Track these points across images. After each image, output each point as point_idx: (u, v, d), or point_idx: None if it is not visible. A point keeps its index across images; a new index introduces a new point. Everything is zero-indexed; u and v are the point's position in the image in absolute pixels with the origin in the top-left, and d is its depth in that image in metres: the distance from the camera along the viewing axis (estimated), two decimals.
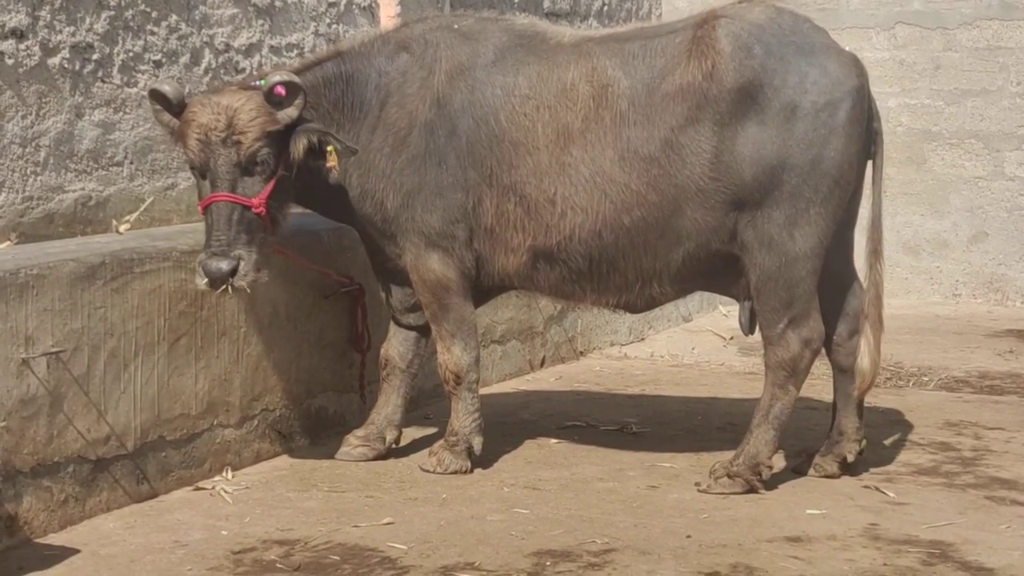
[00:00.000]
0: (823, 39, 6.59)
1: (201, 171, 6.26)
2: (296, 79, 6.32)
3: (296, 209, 6.72)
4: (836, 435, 6.81)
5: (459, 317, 6.76)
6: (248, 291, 6.27)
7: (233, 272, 6.14)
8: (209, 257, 6.14)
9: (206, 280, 6.14)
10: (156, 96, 6.28)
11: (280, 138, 6.32)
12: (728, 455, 6.65)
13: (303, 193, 6.64)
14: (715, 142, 6.38)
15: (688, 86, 6.41)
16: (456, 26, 6.82)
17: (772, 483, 6.58)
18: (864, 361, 6.67)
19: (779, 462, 6.81)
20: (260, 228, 6.30)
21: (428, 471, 6.75)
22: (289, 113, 6.30)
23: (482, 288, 6.92)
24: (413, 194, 6.62)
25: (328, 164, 6.40)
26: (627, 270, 6.62)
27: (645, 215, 6.47)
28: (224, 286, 6.15)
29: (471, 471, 6.77)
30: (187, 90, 6.77)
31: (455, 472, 6.73)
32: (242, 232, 6.21)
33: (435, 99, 6.62)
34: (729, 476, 6.50)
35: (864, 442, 6.81)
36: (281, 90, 6.25)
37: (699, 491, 6.50)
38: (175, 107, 6.26)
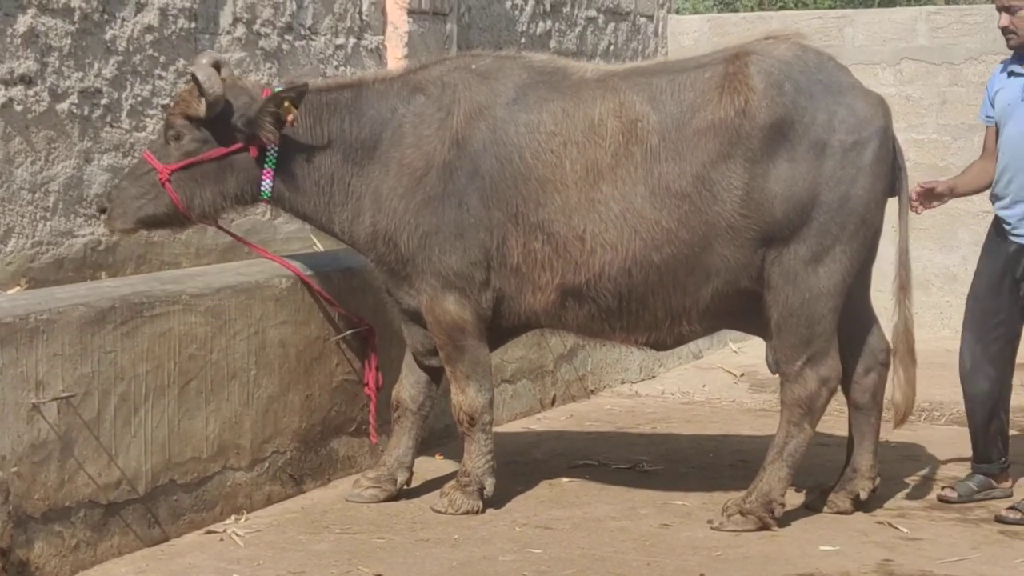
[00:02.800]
0: (849, 78, 6.63)
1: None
2: (208, 73, 6.49)
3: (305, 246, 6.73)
4: (851, 472, 6.82)
5: (474, 359, 6.74)
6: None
7: (102, 211, 6.63)
8: (104, 192, 6.77)
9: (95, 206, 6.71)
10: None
11: (202, 123, 6.61)
12: (740, 493, 6.64)
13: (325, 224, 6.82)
14: (747, 179, 6.38)
15: (720, 122, 6.40)
16: (474, 66, 6.78)
17: (785, 520, 6.57)
18: (897, 395, 6.70)
19: (793, 499, 6.79)
20: (161, 195, 6.64)
21: (440, 512, 6.73)
22: (212, 107, 6.54)
23: (504, 328, 6.89)
24: (430, 235, 6.60)
25: (288, 119, 6.57)
26: (657, 308, 6.58)
27: (675, 252, 6.44)
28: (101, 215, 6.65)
29: (483, 511, 6.76)
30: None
31: (467, 512, 6.72)
32: (141, 187, 6.63)
33: (454, 140, 6.58)
34: (742, 513, 6.49)
35: (878, 480, 6.80)
36: (194, 73, 6.52)
37: (712, 528, 6.49)
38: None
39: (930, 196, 6.92)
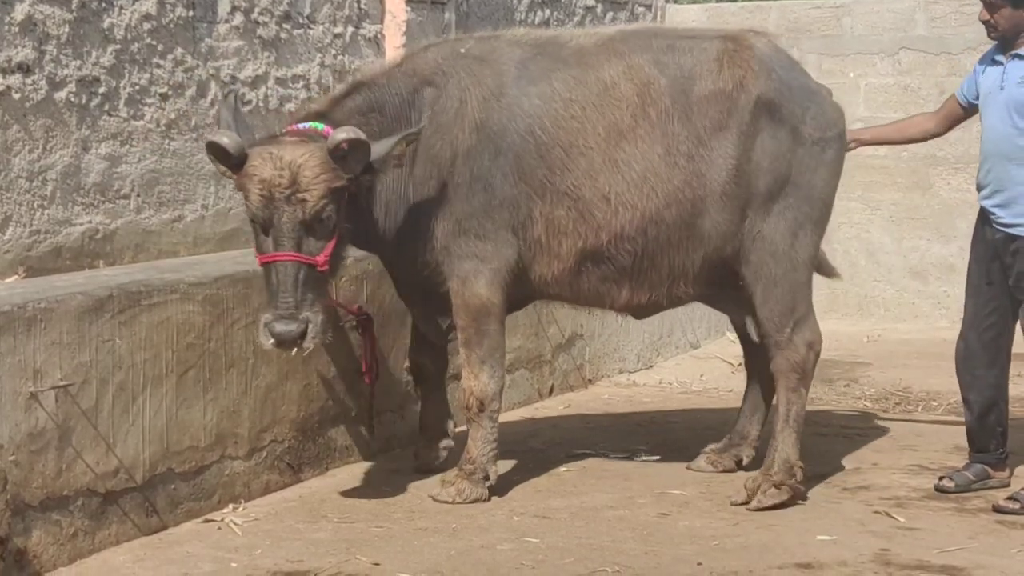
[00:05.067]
0: (815, 83, 7.10)
1: (264, 227, 6.18)
2: (363, 136, 6.21)
3: None
4: (738, 438, 7.37)
5: (494, 344, 6.76)
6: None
7: (302, 335, 6.13)
8: (276, 319, 6.11)
9: (273, 341, 6.13)
10: (214, 148, 6.16)
11: (343, 192, 6.25)
12: (734, 482, 6.74)
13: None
14: (740, 150, 6.68)
15: (720, 92, 6.70)
16: (463, 50, 6.84)
17: (782, 509, 6.57)
18: None
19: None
20: (324, 285, 6.31)
21: (446, 501, 6.69)
22: (353, 169, 6.23)
23: (508, 302, 6.91)
24: (462, 220, 6.63)
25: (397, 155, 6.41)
26: (662, 266, 6.81)
27: (681, 212, 6.70)
28: (292, 348, 6.17)
29: (488, 499, 6.76)
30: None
31: (474, 501, 6.70)
32: (308, 292, 6.17)
33: (473, 126, 6.63)
34: (776, 487, 6.64)
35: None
36: (345, 145, 6.17)
37: (749, 510, 6.59)
38: (235, 159, 6.15)
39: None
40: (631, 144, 6.65)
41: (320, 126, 6.37)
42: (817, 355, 6.88)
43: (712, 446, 7.39)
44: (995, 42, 6.82)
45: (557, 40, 6.91)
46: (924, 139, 7.34)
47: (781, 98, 6.73)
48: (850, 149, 7.16)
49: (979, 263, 6.86)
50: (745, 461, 7.26)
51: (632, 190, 6.64)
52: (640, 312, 7.19)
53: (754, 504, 6.60)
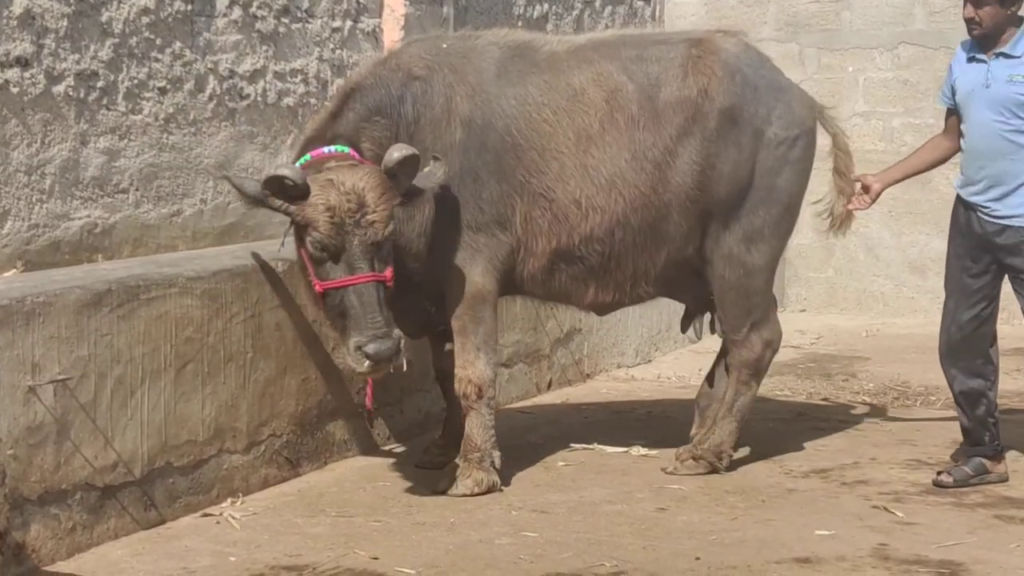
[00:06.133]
0: (786, 80, 7.29)
1: (334, 253, 6.21)
2: (415, 151, 6.29)
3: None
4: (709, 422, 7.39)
5: (489, 331, 6.85)
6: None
7: (396, 352, 6.18)
8: (371, 340, 6.13)
9: (369, 363, 6.15)
10: (276, 182, 6.15)
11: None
12: (732, 477, 6.87)
13: None
14: (703, 156, 6.90)
15: (685, 99, 6.89)
16: (445, 46, 6.95)
17: (780, 504, 6.59)
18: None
19: (794, 483, 6.79)
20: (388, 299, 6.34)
21: (466, 495, 6.69)
22: (403, 186, 6.31)
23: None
24: (456, 211, 6.70)
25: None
26: (627, 267, 7.02)
27: (646, 216, 6.91)
28: (388, 367, 6.22)
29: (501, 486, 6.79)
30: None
31: (490, 488, 6.74)
32: (386, 309, 6.22)
33: (459, 120, 6.73)
34: (694, 459, 7.07)
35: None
36: (400, 162, 6.24)
37: (665, 473, 6.99)
38: (299, 191, 6.16)
39: (870, 197, 7.21)
40: (599, 149, 6.83)
41: (346, 149, 6.45)
42: (774, 352, 7.24)
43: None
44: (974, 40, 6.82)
45: (532, 44, 7.06)
46: (948, 158, 7.18)
47: (744, 101, 6.93)
48: (875, 198, 7.18)
49: (960, 258, 6.91)
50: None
51: (600, 195, 6.83)
52: (602, 309, 7.38)
53: (670, 469, 7.06)
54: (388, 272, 6.29)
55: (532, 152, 6.78)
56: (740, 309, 7.08)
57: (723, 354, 7.47)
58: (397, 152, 6.24)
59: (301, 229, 6.27)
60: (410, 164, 6.29)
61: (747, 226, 7.00)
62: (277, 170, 6.23)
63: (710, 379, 7.58)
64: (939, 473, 6.98)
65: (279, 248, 6.64)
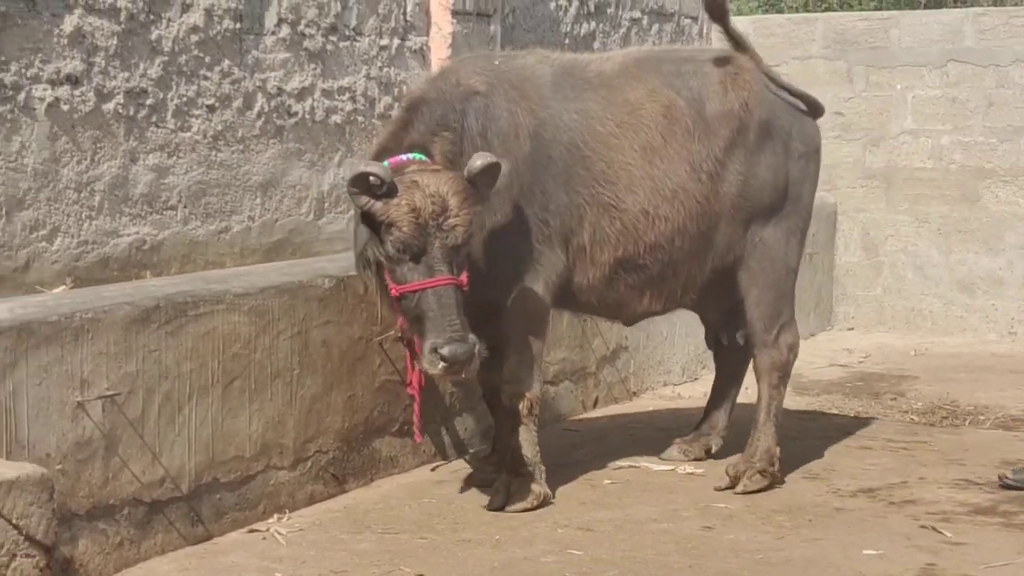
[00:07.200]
0: (794, 101, 7.49)
1: (415, 255, 6.24)
2: (497, 159, 6.34)
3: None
4: (708, 428, 7.87)
5: (540, 349, 6.94)
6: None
7: (471, 356, 6.20)
8: (448, 342, 6.14)
9: (444, 365, 6.16)
10: (363, 179, 6.16)
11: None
12: (779, 496, 6.91)
13: None
14: (746, 166, 7.17)
15: (729, 112, 7.13)
16: (497, 62, 7.03)
17: (827, 523, 6.56)
18: None
19: (842, 502, 6.76)
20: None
21: (529, 509, 6.72)
22: (485, 194, 6.37)
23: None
24: (522, 224, 6.73)
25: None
26: (682, 274, 7.23)
27: (700, 224, 7.12)
28: (463, 370, 6.25)
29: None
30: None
31: (545, 500, 6.81)
32: (462, 312, 6.24)
33: (527, 133, 6.76)
34: (761, 474, 7.14)
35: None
36: (482, 170, 6.30)
37: (736, 493, 7.03)
38: (386, 189, 6.18)
39: None
40: (663, 160, 6.99)
41: (422, 157, 6.46)
42: (795, 356, 7.44)
43: (682, 438, 7.86)
44: None
45: (578, 62, 7.21)
46: None
47: (775, 116, 7.24)
48: None
49: None
50: (714, 449, 7.78)
51: (665, 204, 6.99)
52: (637, 319, 7.52)
53: (740, 488, 7.07)
54: (464, 277, 6.31)
55: (600, 163, 6.90)
56: (775, 309, 7.30)
57: (725, 367, 7.88)
58: (480, 160, 6.30)
59: (382, 229, 6.27)
60: (491, 173, 6.34)
61: (785, 229, 7.30)
62: (365, 167, 6.22)
63: (717, 391, 7.95)
64: (1002, 476, 7.18)
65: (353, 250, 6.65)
